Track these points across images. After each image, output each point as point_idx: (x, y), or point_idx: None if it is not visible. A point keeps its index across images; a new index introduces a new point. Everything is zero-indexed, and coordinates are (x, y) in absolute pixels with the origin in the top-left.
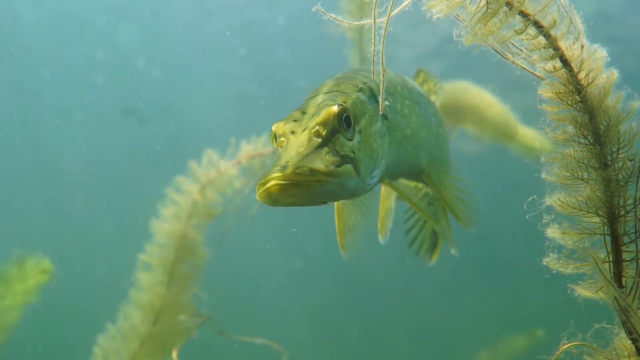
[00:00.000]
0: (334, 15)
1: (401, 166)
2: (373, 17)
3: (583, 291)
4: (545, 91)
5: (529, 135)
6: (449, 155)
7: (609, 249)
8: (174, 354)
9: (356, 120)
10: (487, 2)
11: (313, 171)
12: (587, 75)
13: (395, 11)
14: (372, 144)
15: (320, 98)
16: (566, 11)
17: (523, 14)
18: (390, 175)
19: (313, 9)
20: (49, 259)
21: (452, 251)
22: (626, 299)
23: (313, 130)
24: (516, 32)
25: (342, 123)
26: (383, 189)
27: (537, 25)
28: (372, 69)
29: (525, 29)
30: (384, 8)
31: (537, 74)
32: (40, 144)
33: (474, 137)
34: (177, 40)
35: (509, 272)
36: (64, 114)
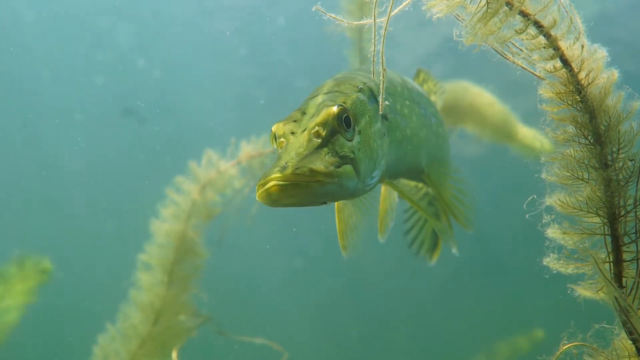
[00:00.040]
0: (333, 15)
1: (401, 166)
2: (373, 17)
3: (583, 291)
4: (545, 91)
5: (529, 135)
6: (449, 155)
7: (610, 249)
8: (174, 354)
9: (356, 120)
10: (487, 2)
11: (313, 172)
12: (587, 75)
13: (395, 11)
14: (371, 144)
15: (320, 98)
16: (566, 11)
17: (523, 14)
18: (390, 175)
19: (313, 9)
20: (49, 259)
21: (453, 250)
22: (626, 299)
23: (313, 131)
24: (516, 32)
25: (342, 123)
26: (383, 188)
27: (538, 25)
28: (372, 69)
29: (526, 29)
30: (383, 8)
31: (537, 74)
32: (39, 143)
33: (474, 138)
34: (177, 40)
35: (509, 272)
36: (63, 114)
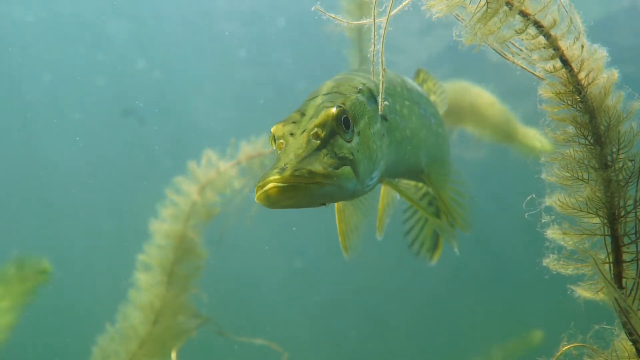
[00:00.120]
0: (333, 15)
1: (401, 167)
2: (372, 17)
3: (583, 292)
4: (545, 91)
5: (529, 135)
6: (449, 155)
7: (609, 250)
8: (173, 355)
9: (355, 121)
10: (487, 2)
11: (311, 173)
12: (587, 75)
13: (395, 11)
14: (371, 145)
15: (319, 99)
16: (566, 11)
17: (523, 14)
18: (390, 176)
19: (312, 9)
20: (48, 259)
21: (454, 249)
22: (626, 300)
23: (312, 132)
24: (516, 32)
25: (341, 125)
26: (382, 187)
27: (537, 25)
28: (371, 69)
29: (526, 29)
30: (383, 8)
31: (537, 74)
32: (38, 143)
33: (475, 141)
34: (177, 40)
35: (508, 273)
36: (62, 114)
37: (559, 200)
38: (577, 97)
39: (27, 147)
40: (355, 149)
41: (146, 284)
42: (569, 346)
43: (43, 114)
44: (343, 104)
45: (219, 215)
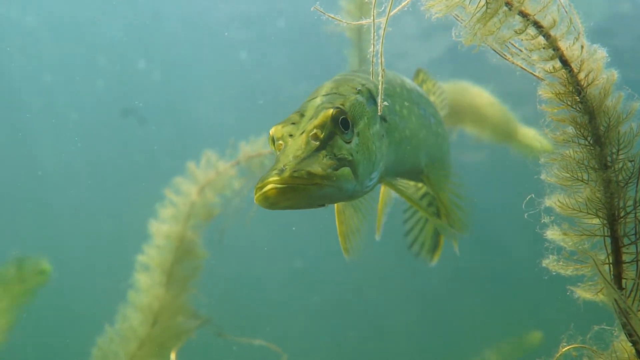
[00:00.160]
0: (332, 15)
1: (400, 167)
2: (372, 17)
3: (583, 293)
4: (544, 92)
5: (528, 135)
6: (449, 155)
7: (609, 251)
8: (173, 356)
9: (354, 122)
10: (487, 2)
11: (310, 174)
12: (587, 75)
13: (395, 11)
14: (370, 146)
15: (318, 100)
16: (566, 11)
17: (523, 14)
18: (390, 176)
19: (312, 9)
20: (47, 260)
21: (455, 249)
22: (626, 301)
23: (311, 134)
24: (516, 32)
25: (340, 126)
26: (382, 187)
27: (537, 25)
28: (371, 69)
29: (525, 29)
30: (382, 8)
31: (537, 75)
32: (38, 144)
33: (475, 143)
34: (177, 41)
35: (508, 273)
36: (62, 114)
37: (558, 201)
38: (577, 97)
39: (26, 148)
40: (355, 150)
41: (145, 285)
42: (568, 347)
43: (42, 114)
44: (342, 104)
45: (219, 216)
